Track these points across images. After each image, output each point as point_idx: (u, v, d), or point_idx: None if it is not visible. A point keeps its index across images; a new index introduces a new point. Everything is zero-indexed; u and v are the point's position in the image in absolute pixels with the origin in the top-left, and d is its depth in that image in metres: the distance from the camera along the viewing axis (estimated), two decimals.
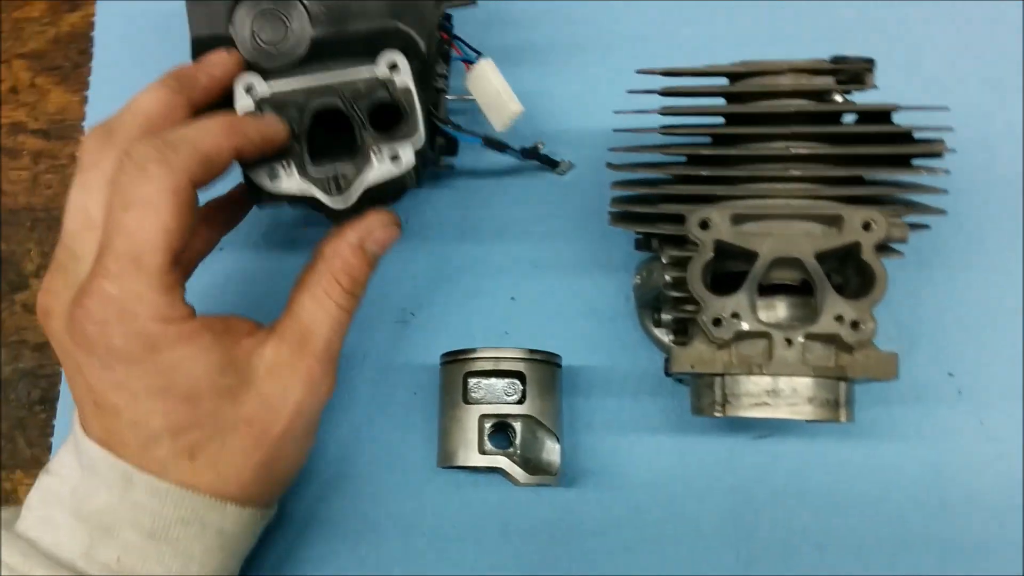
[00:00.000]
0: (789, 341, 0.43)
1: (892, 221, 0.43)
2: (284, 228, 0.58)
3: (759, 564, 0.51)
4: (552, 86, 0.58)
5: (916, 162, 0.46)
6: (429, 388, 0.54)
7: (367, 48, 0.45)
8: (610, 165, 0.48)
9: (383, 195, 0.46)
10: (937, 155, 0.44)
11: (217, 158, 0.41)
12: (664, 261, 0.47)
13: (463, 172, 0.58)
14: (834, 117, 0.44)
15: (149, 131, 0.42)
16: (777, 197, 0.44)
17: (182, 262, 0.42)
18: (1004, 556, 0.50)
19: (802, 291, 0.45)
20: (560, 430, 0.51)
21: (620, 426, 0.53)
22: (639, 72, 0.47)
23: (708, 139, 0.47)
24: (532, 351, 0.50)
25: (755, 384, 0.43)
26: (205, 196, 0.44)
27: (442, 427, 0.50)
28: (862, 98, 0.46)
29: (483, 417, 0.49)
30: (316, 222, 0.53)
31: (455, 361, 0.50)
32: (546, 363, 0.50)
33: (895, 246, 0.45)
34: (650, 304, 0.51)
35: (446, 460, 0.50)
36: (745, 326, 0.43)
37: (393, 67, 0.44)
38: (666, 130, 0.47)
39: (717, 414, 0.44)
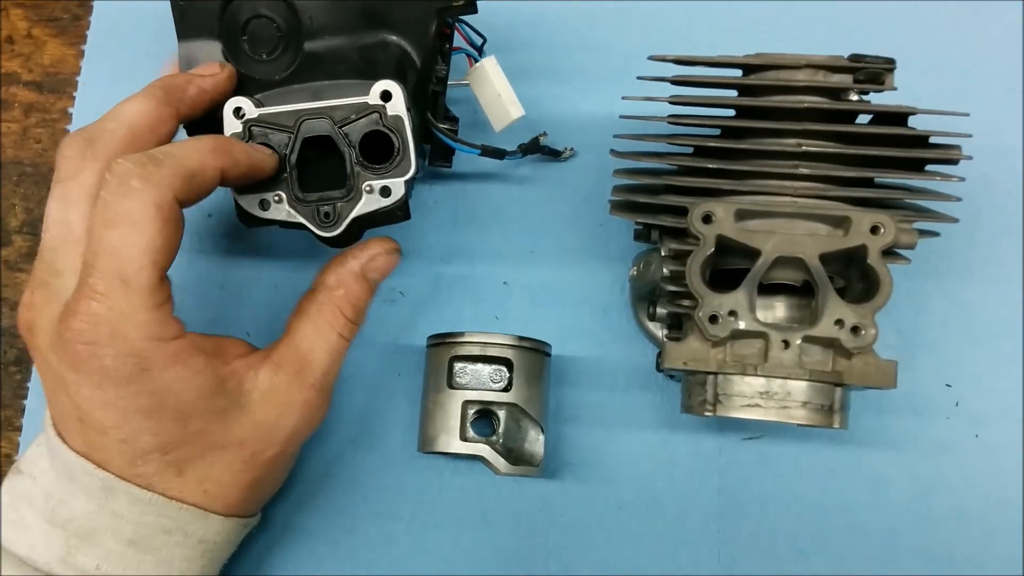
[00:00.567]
0: (786, 343, 0.42)
1: (901, 226, 0.42)
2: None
3: (740, 566, 0.50)
4: (558, 69, 0.56)
5: (931, 168, 0.44)
6: (414, 370, 0.53)
7: (362, 59, 0.44)
8: (614, 152, 0.46)
9: (375, 222, 0.46)
10: (953, 162, 0.43)
11: (202, 177, 0.40)
12: (663, 254, 0.45)
13: (463, 160, 0.56)
14: (848, 116, 0.43)
15: (132, 143, 0.42)
16: (784, 195, 0.42)
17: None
18: (996, 570, 0.49)
19: (803, 292, 0.44)
20: (545, 420, 0.49)
21: (607, 419, 0.52)
22: (651, 59, 0.45)
23: (717, 132, 0.46)
24: (521, 338, 0.49)
25: (748, 385, 0.42)
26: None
27: (424, 411, 0.49)
28: (880, 99, 0.45)
29: (467, 403, 0.48)
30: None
31: (441, 344, 0.49)
32: (535, 351, 0.49)
33: (903, 252, 0.43)
34: (645, 297, 0.49)
35: (426, 445, 0.48)
36: (742, 325, 0.42)
37: (386, 96, 0.43)
38: (674, 119, 0.45)
39: (708, 413, 0.43)
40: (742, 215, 0.43)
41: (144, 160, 0.38)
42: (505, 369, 0.48)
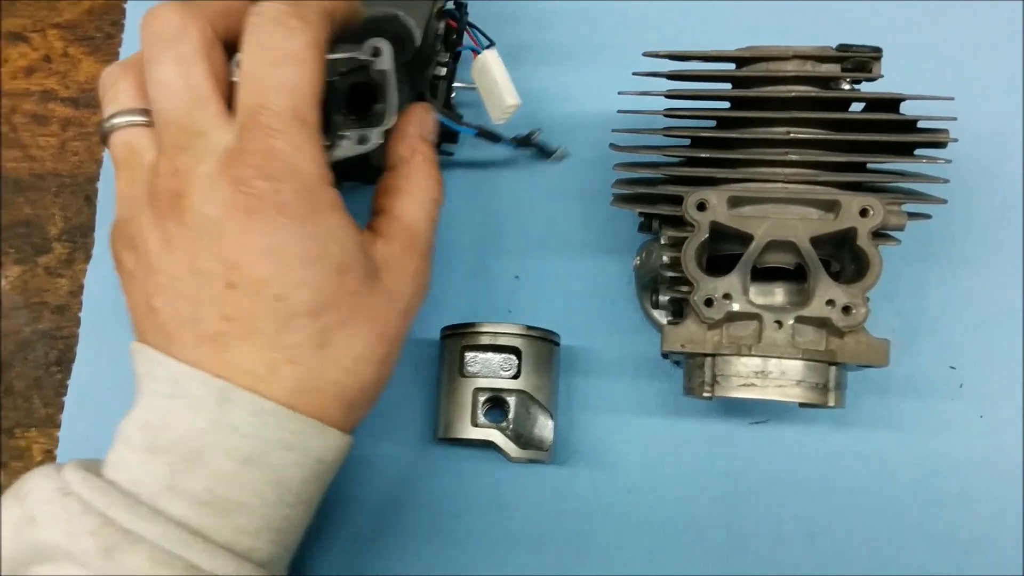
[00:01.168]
0: (779, 323, 0.43)
1: (890, 209, 0.43)
2: None
3: (749, 549, 0.51)
4: (561, 69, 0.58)
5: (920, 152, 0.45)
6: (432, 363, 0.55)
7: (365, 31, 0.46)
8: (613, 146, 0.48)
9: (359, 176, 0.47)
10: (941, 145, 0.44)
11: (336, 15, 0.41)
12: (663, 242, 0.47)
13: (473, 153, 0.58)
14: (837, 104, 0.44)
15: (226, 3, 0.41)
16: (775, 181, 0.44)
17: None
18: (1000, 552, 0.50)
19: (801, 278, 0.45)
20: (554, 407, 0.51)
21: (617, 407, 0.54)
22: (645, 55, 0.47)
23: (713, 123, 0.48)
24: (529, 327, 0.51)
25: (744, 365, 0.44)
26: None
27: (438, 400, 0.51)
28: (874, 89, 0.46)
29: (477, 390, 0.50)
30: None
31: (453, 335, 0.51)
32: (543, 340, 0.51)
33: (893, 234, 0.44)
34: (649, 286, 0.51)
35: (441, 432, 0.51)
36: (736, 307, 0.43)
37: (375, 52, 0.44)
38: (670, 113, 0.47)
39: (706, 394, 0.44)
40: (735, 202, 0.44)
41: (292, 1, 0.39)
42: (514, 357, 0.50)
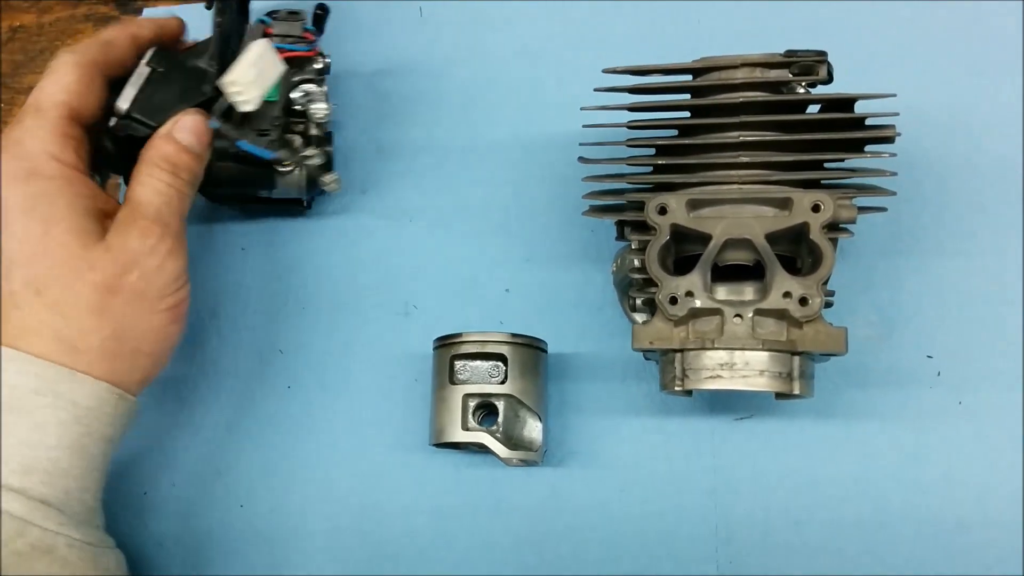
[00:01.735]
0: (740, 316, 0.45)
1: (840, 203, 0.45)
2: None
3: (736, 538, 0.53)
4: (537, 84, 0.62)
5: (870, 148, 0.47)
6: (428, 375, 0.57)
7: None
8: (581, 159, 0.51)
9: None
10: (888, 140, 0.46)
11: (115, 41, 0.52)
12: (632, 247, 0.50)
13: (463, 174, 0.62)
14: (785, 107, 0.47)
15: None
16: (730, 183, 0.46)
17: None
18: (983, 533, 0.51)
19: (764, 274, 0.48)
20: (543, 409, 0.54)
21: (607, 409, 0.56)
22: (605, 71, 0.50)
23: (675, 132, 0.50)
24: (515, 335, 0.53)
25: (710, 358, 0.46)
26: None
27: (432, 407, 0.54)
28: (825, 90, 0.49)
29: (467, 396, 0.52)
30: None
31: (443, 345, 0.54)
32: (528, 346, 0.53)
33: (847, 226, 0.46)
34: (626, 290, 0.53)
35: (435, 438, 0.53)
36: (698, 303, 0.46)
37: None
38: (633, 124, 0.50)
39: (677, 388, 0.47)
40: (694, 204, 0.47)
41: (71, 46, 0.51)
42: (501, 364, 0.53)
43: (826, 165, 0.48)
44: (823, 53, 0.47)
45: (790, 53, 0.47)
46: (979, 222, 0.55)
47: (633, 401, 0.56)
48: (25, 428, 0.44)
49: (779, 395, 0.48)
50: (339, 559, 0.56)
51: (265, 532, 0.57)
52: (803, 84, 0.48)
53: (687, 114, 0.50)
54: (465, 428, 0.52)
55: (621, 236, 0.53)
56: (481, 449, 0.53)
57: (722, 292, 0.47)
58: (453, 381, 0.53)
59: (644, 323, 0.48)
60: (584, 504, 0.55)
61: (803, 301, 0.45)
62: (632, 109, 0.49)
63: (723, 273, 0.48)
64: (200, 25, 0.56)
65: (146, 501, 0.58)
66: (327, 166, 0.58)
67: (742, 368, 0.45)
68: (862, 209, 0.47)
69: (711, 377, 0.46)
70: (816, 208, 0.45)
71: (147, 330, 0.48)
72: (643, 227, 0.49)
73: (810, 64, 0.47)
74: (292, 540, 0.57)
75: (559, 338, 0.57)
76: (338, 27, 0.59)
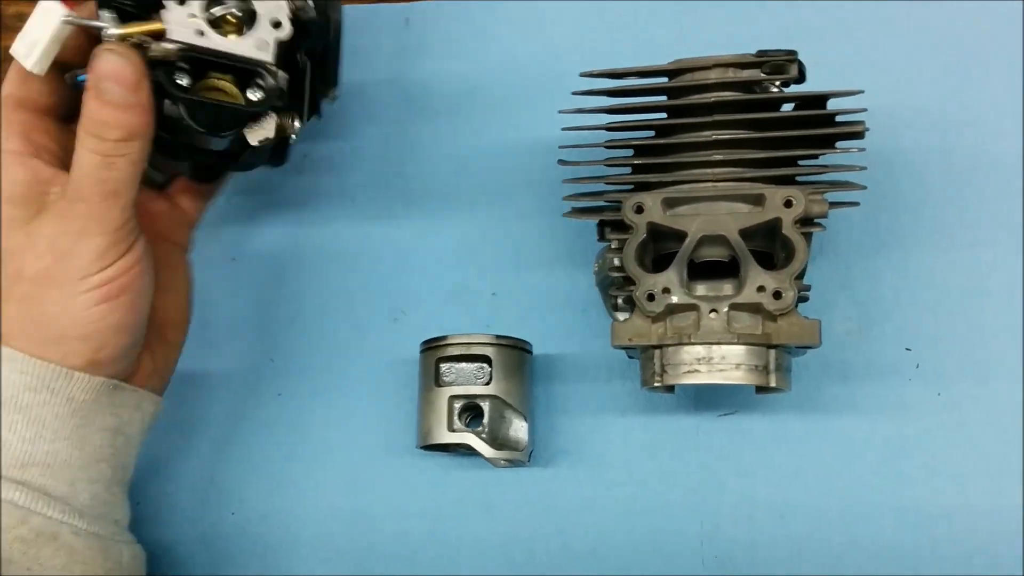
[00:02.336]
0: (715, 311, 0.46)
1: (812, 198, 0.46)
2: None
3: (723, 533, 0.54)
4: (520, 88, 0.63)
5: (841, 144, 0.48)
6: (416, 379, 0.58)
7: None
8: (561, 162, 0.52)
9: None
10: (858, 136, 0.47)
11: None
12: (612, 246, 0.50)
13: (449, 180, 0.63)
14: (756, 105, 0.48)
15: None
16: (704, 181, 0.47)
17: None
18: (962, 524, 0.52)
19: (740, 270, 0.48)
20: (528, 410, 0.54)
21: (593, 409, 0.57)
22: (583, 75, 0.51)
23: (653, 133, 0.51)
24: (499, 336, 0.54)
25: (688, 353, 0.47)
26: None
27: (419, 410, 0.55)
28: (798, 89, 0.50)
29: (453, 398, 0.53)
30: None
31: (429, 348, 0.55)
32: (512, 347, 0.54)
33: (819, 220, 0.47)
34: (607, 289, 0.54)
35: (422, 440, 0.54)
36: (675, 299, 0.47)
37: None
38: (611, 126, 0.51)
39: (657, 383, 0.47)
40: (670, 203, 0.48)
41: None
42: (486, 366, 0.54)
43: (799, 162, 0.49)
44: (793, 52, 0.48)
45: (762, 53, 0.48)
46: (955, 216, 0.56)
47: (618, 400, 0.57)
48: (23, 422, 0.45)
49: (760, 389, 0.49)
50: (331, 563, 0.57)
51: (257, 538, 0.58)
52: (775, 83, 0.49)
53: (663, 115, 0.51)
54: (451, 429, 0.53)
55: (602, 237, 0.54)
56: (468, 450, 0.54)
57: (699, 288, 0.48)
58: (439, 383, 0.54)
59: (624, 321, 0.49)
60: (571, 503, 0.56)
61: (777, 295, 0.46)
62: (610, 111, 0.50)
63: (700, 270, 0.48)
64: None
65: (138, 511, 0.59)
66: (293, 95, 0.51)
67: (719, 362, 0.46)
68: (835, 204, 0.48)
69: (689, 372, 0.46)
70: (788, 203, 0.46)
71: (67, 314, 0.45)
72: (622, 226, 0.50)
73: (781, 63, 0.48)
74: (284, 546, 0.58)
75: (545, 339, 0.58)
76: None
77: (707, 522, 0.54)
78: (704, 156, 0.47)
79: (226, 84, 0.47)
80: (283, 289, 0.63)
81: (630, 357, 0.54)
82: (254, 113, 0.48)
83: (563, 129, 0.52)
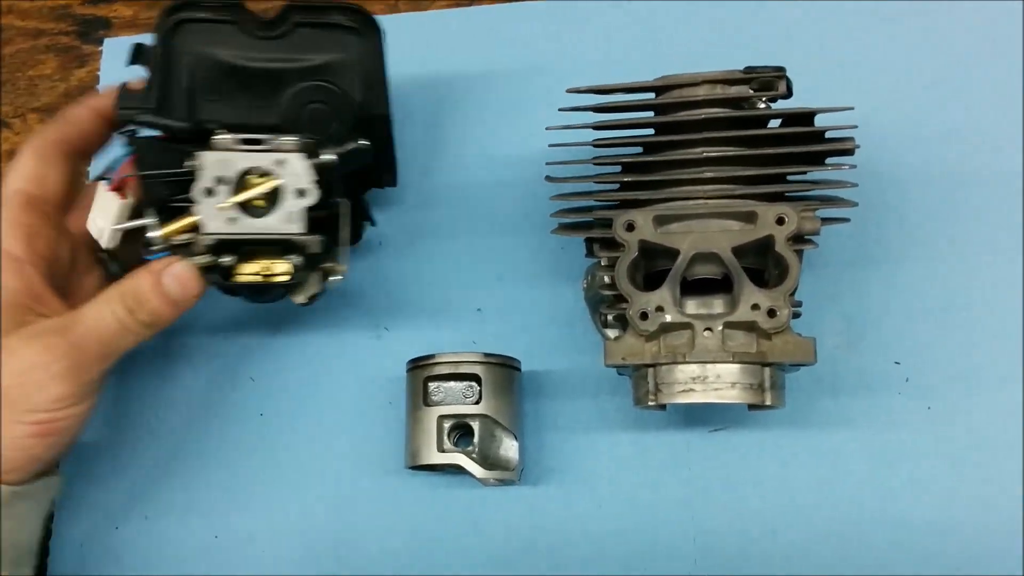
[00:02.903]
0: (710, 330, 0.46)
1: (804, 215, 0.46)
2: None
3: (714, 548, 0.53)
4: (505, 103, 0.63)
5: (831, 160, 0.48)
6: (403, 398, 0.57)
7: None
8: (548, 178, 0.52)
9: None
10: (848, 152, 0.47)
11: (76, 117, 0.52)
12: (602, 264, 0.50)
13: (432, 195, 0.62)
14: (746, 122, 0.47)
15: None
16: (695, 198, 0.47)
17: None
18: (951, 537, 0.52)
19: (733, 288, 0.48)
20: (518, 428, 0.54)
21: (582, 425, 0.56)
22: (569, 91, 0.51)
23: (641, 149, 0.51)
24: (487, 355, 0.53)
25: (682, 372, 0.46)
26: None
27: (407, 430, 0.54)
28: (786, 105, 0.50)
29: (442, 418, 0.52)
30: None
31: (417, 367, 0.54)
32: (501, 365, 0.54)
33: (810, 237, 0.47)
34: (597, 306, 0.54)
35: (411, 460, 0.53)
36: (668, 318, 0.46)
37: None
38: (598, 143, 0.50)
39: (651, 403, 0.47)
40: (661, 220, 0.47)
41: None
42: (475, 384, 0.53)
43: (789, 178, 0.49)
44: (782, 69, 0.48)
45: (749, 69, 0.48)
46: (942, 230, 0.56)
47: (608, 416, 0.56)
48: None
49: (752, 406, 0.48)
50: None
51: (241, 561, 0.57)
52: (763, 99, 0.48)
53: (651, 131, 0.50)
54: (441, 450, 0.52)
55: (590, 253, 0.53)
56: (458, 470, 0.53)
57: (692, 306, 0.48)
58: (427, 403, 0.53)
59: (616, 339, 0.48)
60: (562, 521, 0.55)
61: (771, 313, 0.45)
62: (596, 127, 0.50)
63: (692, 287, 0.48)
64: None
65: (117, 535, 0.58)
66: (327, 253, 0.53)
67: (714, 381, 0.46)
68: (826, 220, 0.48)
69: (684, 391, 0.46)
70: (780, 221, 0.46)
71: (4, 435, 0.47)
72: (612, 244, 0.49)
73: (769, 80, 0.47)
74: (270, 568, 0.56)
75: (532, 356, 0.57)
76: None
77: (699, 538, 0.54)
78: (694, 173, 0.47)
79: (264, 261, 0.50)
80: (262, 306, 0.61)
81: (620, 374, 0.54)
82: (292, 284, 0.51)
83: (550, 146, 0.52)
